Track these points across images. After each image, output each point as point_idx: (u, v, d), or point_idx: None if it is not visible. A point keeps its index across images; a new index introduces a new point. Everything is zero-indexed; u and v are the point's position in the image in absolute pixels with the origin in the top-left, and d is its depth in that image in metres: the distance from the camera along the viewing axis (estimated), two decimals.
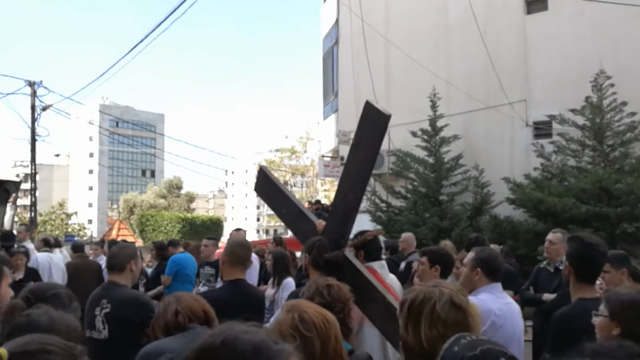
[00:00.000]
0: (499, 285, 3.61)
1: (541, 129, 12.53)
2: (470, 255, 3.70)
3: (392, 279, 4.67)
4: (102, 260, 10.24)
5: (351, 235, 5.19)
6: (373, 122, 3.78)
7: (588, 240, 3.34)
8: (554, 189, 10.87)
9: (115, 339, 3.67)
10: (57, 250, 9.46)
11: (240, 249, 4.00)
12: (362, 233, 4.68)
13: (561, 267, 4.79)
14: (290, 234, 5.02)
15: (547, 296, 5.47)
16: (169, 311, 2.60)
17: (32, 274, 6.92)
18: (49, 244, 8.84)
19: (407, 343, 1.98)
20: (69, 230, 55.83)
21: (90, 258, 9.91)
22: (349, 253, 4.10)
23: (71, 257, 9.80)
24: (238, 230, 9.08)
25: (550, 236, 5.74)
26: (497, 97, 12.63)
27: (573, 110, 11.05)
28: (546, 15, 12.80)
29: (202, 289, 7.25)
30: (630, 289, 2.56)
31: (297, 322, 1.91)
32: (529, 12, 13.14)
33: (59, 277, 7.85)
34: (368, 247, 4.54)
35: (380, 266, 4.50)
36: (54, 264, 8.06)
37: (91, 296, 3.98)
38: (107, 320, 3.74)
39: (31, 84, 20.67)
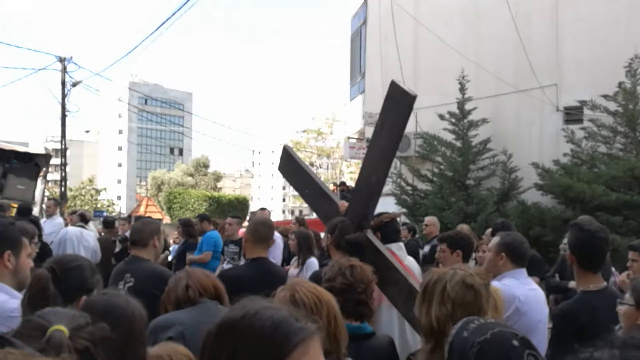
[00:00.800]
0: (523, 270, 3.56)
1: (572, 114, 12.28)
2: (495, 239, 3.65)
3: (410, 261, 4.64)
4: None
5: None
6: (398, 102, 3.72)
7: (587, 227, 3.22)
8: (584, 175, 10.68)
9: None
10: (91, 224, 9.64)
11: (263, 228, 4.02)
12: (379, 215, 4.66)
13: None
14: (314, 215, 5.00)
15: (573, 284, 5.39)
16: (179, 285, 2.64)
17: (42, 247, 6.88)
18: (84, 219, 8.99)
19: (421, 324, 1.99)
20: (98, 206, 56.72)
21: (119, 233, 10.06)
22: (371, 235, 4.08)
23: (102, 233, 9.98)
24: (263, 209, 9.14)
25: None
26: (527, 81, 12.39)
27: (605, 96, 10.79)
28: None
29: (227, 266, 7.33)
30: None
31: (287, 301, 1.92)
32: None
33: (88, 253, 7.92)
34: (385, 229, 4.51)
35: (398, 248, 4.47)
36: (83, 239, 8.16)
37: (115, 270, 4.05)
38: (130, 293, 3.78)
39: (61, 60, 20.90)
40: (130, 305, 1.86)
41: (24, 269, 2.60)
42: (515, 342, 1.65)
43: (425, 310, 2.06)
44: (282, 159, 4.89)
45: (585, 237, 3.18)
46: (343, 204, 4.22)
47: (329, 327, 1.91)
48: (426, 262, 5.13)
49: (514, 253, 3.54)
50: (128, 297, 1.95)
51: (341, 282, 2.45)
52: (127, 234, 9.78)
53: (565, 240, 5.57)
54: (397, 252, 4.42)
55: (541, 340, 3.33)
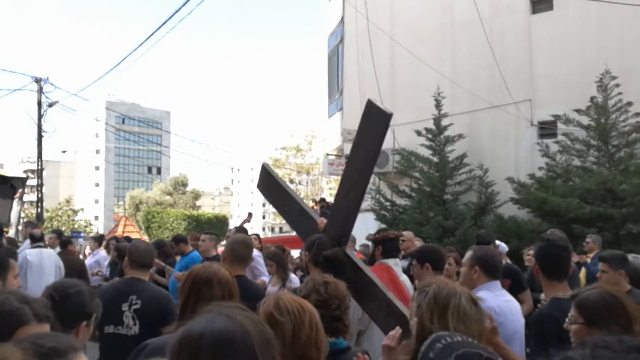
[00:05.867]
0: (497, 283, 3.63)
1: (546, 129, 12.52)
2: (468, 254, 3.72)
3: (405, 279, 4.70)
4: (98, 255, 10.26)
5: (369, 234, 5.24)
6: (375, 120, 3.78)
7: (547, 237, 3.43)
8: (559, 189, 10.87)
9: (146, 334, 3.64)
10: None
11: (240, 247, 4.03)
12: (384, 230, 4.72)
13: None
14: (294, 232, 5.04)
15: (543, 296, 5.48)
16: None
17: None
18: (34, 239, 8.11)
19: (431, 332, 1.99)
20: (76, 226, 56.00)
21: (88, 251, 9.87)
22: (350, 251, 4.12)
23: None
24: (240, 229, 9.06)
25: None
26: (501, 97, 12.62)
27: (578, 111, 11.05)
28: (551, 15, 12.80)
29: None
30: (596, 290, 2.50)
31: (272, 309, 1.95)
32: (534, 11, 13.13)
33: (51, 273, 7.60)
34: (388, 245, 4.58)
35: (395, 263, 4.54)
36: (43, 259, 7.79)
37: (112, 290, 3.97)
38: (137, 316, 3.74)
39: (37, 80, 20.72)
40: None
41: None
42: None
43: (437, 321, 2.09)
44: (260, 176, 4.92)
45: (545, 246, 3.35)
46: (322, 221, 4.25)
47: (310, 335, 1.94)
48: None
49: (487, 266, 3.61)
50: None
51: (315, 298, 2.47)
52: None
53: (530, 252, 5.71)
54: (394, 267, 4.48)
55: (519, 350, 3.39)
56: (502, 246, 7.10)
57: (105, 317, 3.71)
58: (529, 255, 5.87)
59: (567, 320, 2.53)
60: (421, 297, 2.20)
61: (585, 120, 11.02)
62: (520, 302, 3.97)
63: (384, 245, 4.57)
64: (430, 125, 12.94)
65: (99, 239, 11.35)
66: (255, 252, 7.21)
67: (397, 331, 2.48)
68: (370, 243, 5.57)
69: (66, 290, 2.44)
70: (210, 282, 2.56)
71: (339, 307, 2.55)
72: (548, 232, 3.78)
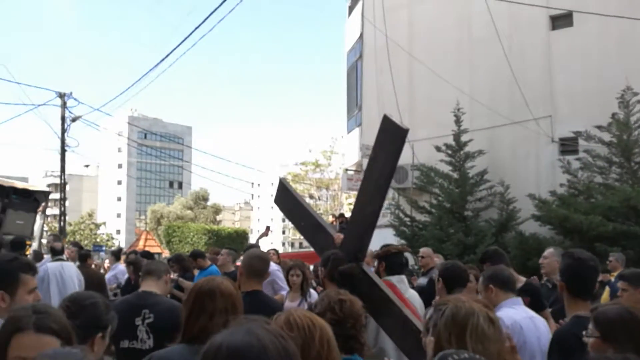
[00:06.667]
0: (518, 299, 3.61)
1: (567, 145, 12.40)
2: (480, 279, 3.71)
3: (412, 295, 4.64)
4: (117, 270, 10.35)
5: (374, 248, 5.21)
6: (391, 135, 3.78)
7: (578, 255, 3.32)
8: (581, 206, 10.73)
9: (160, 347, 3.63)
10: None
11: (257, 262, 4.03)
12: (387, 246, 4.70)
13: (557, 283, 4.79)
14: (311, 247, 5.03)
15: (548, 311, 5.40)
16: None
17: None
18: (55, 252, 8.20)
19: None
20: (98, 240, 56.61)
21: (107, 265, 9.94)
22: (366, 267, 4.10)
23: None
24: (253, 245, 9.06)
25: (545, 252, 5.77)
26: (521, 113, 12.54)
27: (599, 127, 10.93)
28: (571, 31, 12.73)
29: None
30: (615, 305, 2.53)
31: (282, 323, 1.94)
32: (553, 27, 13.07)
33: (72, 286, 7.67)
34: (390, 261, 4.56)
35: (399, 280, 4.48)
36: (64, 273, 7.88)
37: (124, 305, 3.93)
38: (151, 330, 3.72)
39: (61, 96, 21.12)
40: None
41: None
42: None
43: (455, 342, 2.07)
44: (278, 191, 4.94)
45: (575, 264, 3.27)
46: (339, 236, 4.25)
47: (321, 351, 1.93)
48: (423, 295, 5.10)
49: (500, 281, 3.61)
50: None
51: (330, 317, 2.45)
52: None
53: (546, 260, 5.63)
54: (398, 284, 4.42)
55: None
56: None
57: (120, 332, 3.70)
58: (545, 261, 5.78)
59: (584, 333, 2.54)
60: (437, 315, 2.18)
61: (606, 136, 10.89)
62: None
63: (387, 260, 4.54)
64: (450, 140, 12.89)
65: (117, 254, 11.46)
66: (275, 267, 7.23)
67: None
68: None
69: (82, 302, 2.45)
70: (212, 295, 2.58)
71: (353, 326, 2.53)
72: (577, 250, 3.71)
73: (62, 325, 1.97)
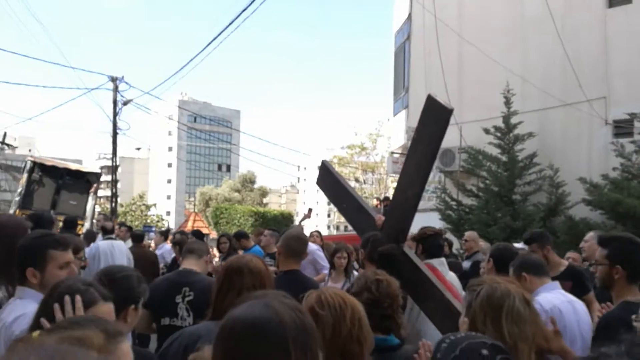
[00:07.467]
0: (555, 283, 3.53)
1: (621, 128, 11.95)
2: (510, 269, 3.62)
3: (452, 277, 4.61)
4: (163, 249, 10.60)
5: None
6: (435, 116, 3.70)
7: (637, 240, 3.21)
8: (634, 190, 10.36)
9: None
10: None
11: (295, 242, 4.06)
12: (424, 228, 4.66)
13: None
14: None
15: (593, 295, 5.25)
16: None
17: None
18: (106, 232, 8.80)
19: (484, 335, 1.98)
20: (148, 221, 57.97)
21: (152, 245, 10.22)
22: (408, 249, 4.07)
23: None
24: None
25: (586, 236, 5.63)
26: (574, 94, 12.15)
27: None
28: (629, 9, 12.18)
29: None
30: None
31: (313, 302, 1.95)
32: (610, 5, 12.53)
33: (122, 263, 7.95)
34: (427, 243, 4.52)
35: (440, 263, 4.45)
36: (115, 250, 8.18)
37: (166, 282, 4.01)
38: (191, 307, 3.78)
39: (113, 80, 21.62)
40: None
41: (53, 282, 2.51)
42: (485, 351, 1.75)
43: (491, 324, 2.05)
44: (320, 173, 4.94)
45: (634, 249, 3.17)
46: (380, 218, 4.23)
47: (352, 330, 1.93)
48: (466, 278, 5.04)
49: (532, 267, 3.54)
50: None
51: (367, 297, 2.46)
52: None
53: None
54: (439, 267, 4.39)
55: (583, 351, 3.26)
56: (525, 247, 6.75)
57: (161, 310, 3.80)
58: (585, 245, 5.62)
59: (633, 317, 2.46)
60: (472, 296, 2.15)
61: None
62: (586, 304, 3.81)
63: (424, 243, 4.49)
64: (499, 123, 12.60)
65: (165, 233, 11.72)
66: (315, 247, 7.27)
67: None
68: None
69: (114, 275, 2.54)
70: (240, 271, 2.61)
71: (390, 305, 2.52)
72: (626, 233, 3.59)
73: (109, 292, 2.07)
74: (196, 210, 53.45)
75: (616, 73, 12.13)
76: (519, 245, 5.16)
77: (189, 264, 4.03)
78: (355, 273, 6.36)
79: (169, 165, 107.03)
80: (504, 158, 12.55)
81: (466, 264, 7.22)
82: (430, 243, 4.52)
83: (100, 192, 20.29)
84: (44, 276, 2.65)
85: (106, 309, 2.01)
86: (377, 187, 43.66)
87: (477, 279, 2.29)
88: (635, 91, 11.60)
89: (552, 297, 3.37)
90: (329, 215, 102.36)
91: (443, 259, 4.56)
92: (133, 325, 2.54)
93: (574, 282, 4.51)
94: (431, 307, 3.84)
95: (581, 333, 3.34)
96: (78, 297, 1.93)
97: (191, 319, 3.76)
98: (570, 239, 10.33)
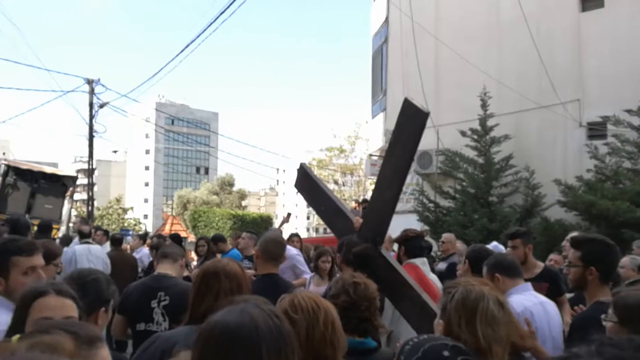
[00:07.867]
0: (527, 284, 3.57)
1: (595, 130, 12.16)
2: (484, 270, 3.66)
3: (434, 278, 4.68)
4: (141, 253, 10.52)
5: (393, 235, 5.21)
6: (411, 119, 3.72)
7: (609, 241, 3.29)
8: (608, 192, 10.53)
9: None
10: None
11: (273, 246, 4.05)
12: (406, 230, 4.73)
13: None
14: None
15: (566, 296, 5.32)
16: None
17: None
18: (83, 235, 8.71)
19: (459, 337, 2.00)
20: (125, 224, 57.44)
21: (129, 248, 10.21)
22: (385, 251, 4.09)
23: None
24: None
25: (567, 236, 5.75)
26: (549, 97, 12.32)
27: (629, 111, 10.69)
28: (602, 13, 12.41)
29: None
30: (637, 292, 2.51)
31: (287, 305, 1.95)
32: (584, 9, 12.75)
33: (99, 267, 7.87)
34: (409, 245, 4.59)
35: (422, 263, 4.54)
36: (91, 255, 8.12)
37: (140, 287, 3.98)
38: (167, 312, 3.76)
39: (89, 82, 21.36)
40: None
41: (17, 288, 2.54)
42: (446, 353, 1.80)
43: (465, 326, 2.07)
44: (298, 176, 4.94)
45: (607, 250, 3.25)
46: (357, 220, 4.25)
47: (325, 333, 1.93)
48: (442, 280, 5.09)
49: (505, 268, 3.55)
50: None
51: (344, 300, 2.46)
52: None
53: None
54: (422, 266, 4.46)
55: (556, 350, 3.31)
56: (499, 247, 6.81)
57: (136, 315, 3.77)
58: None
59: (603, 316, 2.51)
60: (447, 298, 2.17)
61: (636, 121, 10.64)
62: (558, 305, 3.86)
63: (406, 245, 4.59)
64: (476, 125, 12.73)
65: (143, 237, 11.64)
66: (295, 251, 7.23)
67: None
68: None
69: (84, 278, 2.53)
70: (217, 276, 2.61)
71: (367, 308, 2.52)
72: (599, 235, 3.66)
73: (75, 295, 2.05)
74: (174, 214, 53.08)
75: (590, 76, 12.34)
76: (491, 245, 5.23)
77: (164, 268, 4.01)
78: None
79: (147, 168, 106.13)
80: (480, 160, 12.68)
81: (442, 266, 7.27)
82: (412, 244, 4.59)
83: (77, 196, 20.06)
84: (8, 283, 2.62)
85: (65, 303, 2.01)
86: (356, 190, 43.78)
87: (452, 281, 2.31)
88: (608, 94, 11.80)
89: (523, 299, 3.41)
90: (308, 218, 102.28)
91: (425, 259, 4.63)
92: (103, 327, 2.54)
93: (550, 284, 4.58)
94: (407, 308, 3.86)
95: (552, 334, 3.38)
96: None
97: (167, 324, 3.73)
98: (546, 240, 10.49)
